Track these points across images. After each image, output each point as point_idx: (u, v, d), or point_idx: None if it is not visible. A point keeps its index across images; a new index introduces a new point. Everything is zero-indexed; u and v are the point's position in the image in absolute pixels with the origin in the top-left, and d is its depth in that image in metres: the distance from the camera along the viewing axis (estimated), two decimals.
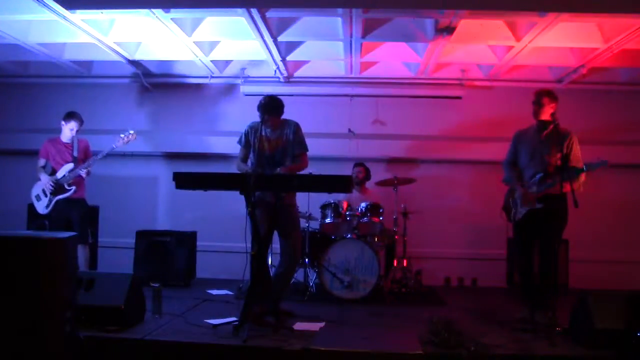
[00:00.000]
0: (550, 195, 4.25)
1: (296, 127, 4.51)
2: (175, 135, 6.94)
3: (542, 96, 4.37)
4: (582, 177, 4.22)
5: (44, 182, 5.37)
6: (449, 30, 5.20)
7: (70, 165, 5.39)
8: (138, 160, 6.99)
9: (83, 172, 5.34)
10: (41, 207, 5.42)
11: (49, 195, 5.37)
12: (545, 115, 4.34)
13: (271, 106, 4.38)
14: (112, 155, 5.49)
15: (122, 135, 5.44)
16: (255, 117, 4.45)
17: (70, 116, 5.46)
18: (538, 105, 4.38)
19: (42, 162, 5.52)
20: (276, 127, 4.49)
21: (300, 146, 4.50)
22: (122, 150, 5.68)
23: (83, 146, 5.52)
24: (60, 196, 5.35)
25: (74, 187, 5.36)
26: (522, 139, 4.56)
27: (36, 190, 5.46)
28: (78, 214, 5.41)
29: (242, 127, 4.61)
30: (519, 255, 4.58)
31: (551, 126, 4.28)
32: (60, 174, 5.37)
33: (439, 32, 5.30)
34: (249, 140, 4.50)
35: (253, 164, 4.33)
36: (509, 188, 4.65)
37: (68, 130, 5.45)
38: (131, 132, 5.47)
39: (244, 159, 4.54)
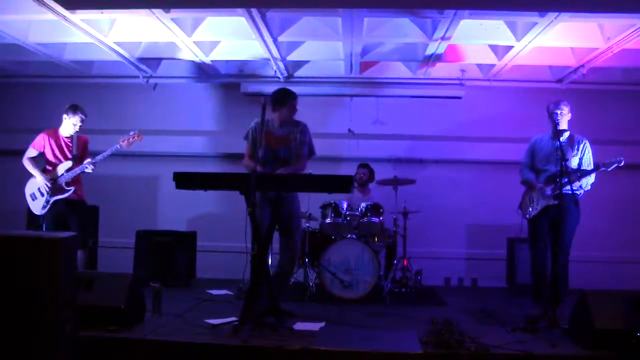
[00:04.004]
0: (564, 194, 4.38)
1: (305, 128, 4.54)
2: (175, 135, 6.94)
3: (565, 105, 4.58)
4: (593, 177, 4.53)
5: (39, 181, 4.92)
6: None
7: (69, 164, 4.95)
8: (138, 160, 6.98)
9: (89, 169, 4.90)
10: (37, 207, 4.96)
11: (45, 195, 4.93)
12: (564, 124, 4.57)
13: (273, 100, 4.42)
14: (115, 154, 5.41)
15: (125, 136, 5.05)
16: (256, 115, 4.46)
17: (75, 110, 4.99)
18: (561, 115, 4.56)
19: (34, 153, 5.00)
20: (284, 123, 4.49)
21: (307, 147, 4.52)
22: (124, 151, 5.65)
23: (82, 143, 5.08)
24: (59, 196, 4.93)
25: (73, 187, 4.95)
26: (538, 145, 4.81)
27: (30, 188, 4.99)
28: (77, 218, 5.01)
29: (242, 127, 4.60)
30: (533, 253, 4.70)
31: (567, 133, 4.55)
32: (58, 172, 4.95)
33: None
34: (255, 136, 4.48)
35: (259, 159, 4.32)
36: (526, 188, 4.84)
37: (71, 125, 4.98)
38: (136, 132, 5.07)
39: (251, 156, 4.49)
